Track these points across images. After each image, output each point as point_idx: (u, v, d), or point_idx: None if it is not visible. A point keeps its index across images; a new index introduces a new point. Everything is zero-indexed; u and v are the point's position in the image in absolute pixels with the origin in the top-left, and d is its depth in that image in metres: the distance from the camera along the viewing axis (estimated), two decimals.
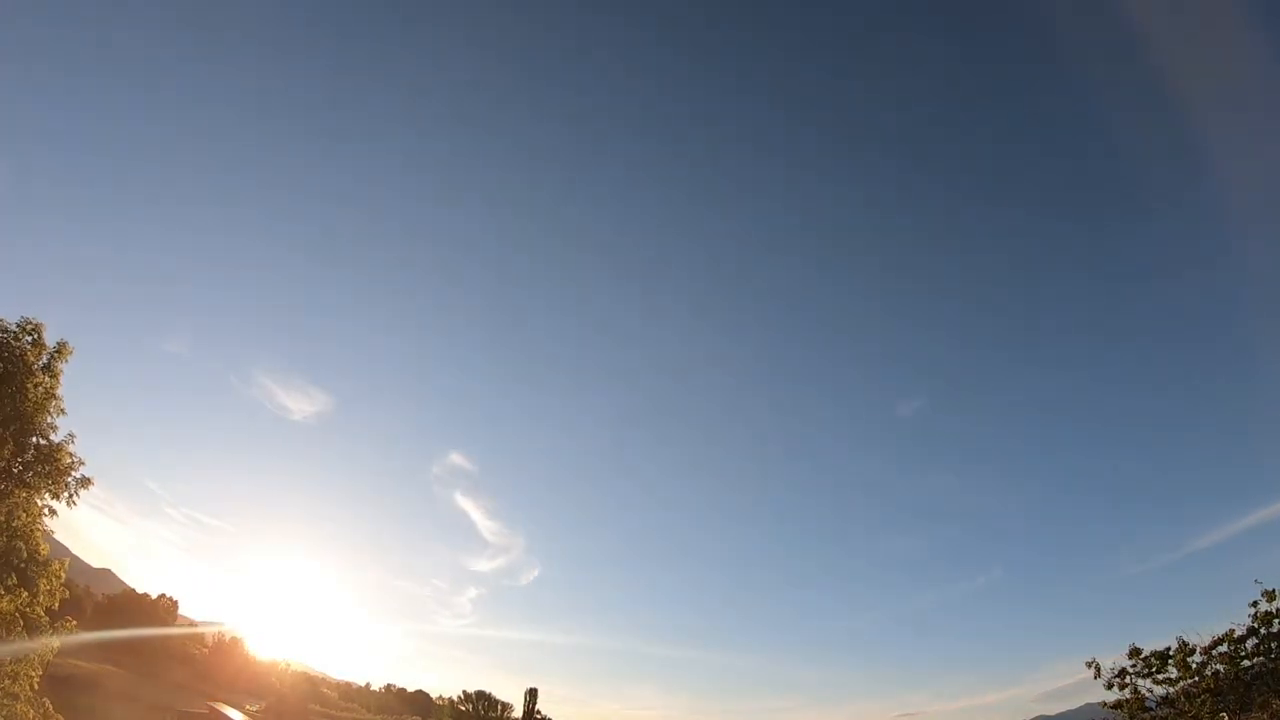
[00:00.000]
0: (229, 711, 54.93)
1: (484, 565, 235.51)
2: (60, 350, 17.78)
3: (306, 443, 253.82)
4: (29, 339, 17.25)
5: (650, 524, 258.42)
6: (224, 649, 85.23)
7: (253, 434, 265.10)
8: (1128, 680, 14.38)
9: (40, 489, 17.31)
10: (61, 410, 17.76)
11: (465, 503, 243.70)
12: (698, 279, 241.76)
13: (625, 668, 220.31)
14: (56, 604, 17.78)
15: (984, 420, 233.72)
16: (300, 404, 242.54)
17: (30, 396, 16.85)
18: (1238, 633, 13.27)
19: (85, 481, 17.94)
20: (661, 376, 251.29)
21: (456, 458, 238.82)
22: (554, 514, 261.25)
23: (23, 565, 16.78)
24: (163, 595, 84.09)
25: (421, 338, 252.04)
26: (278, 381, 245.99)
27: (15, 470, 17.15)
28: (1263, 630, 13.08)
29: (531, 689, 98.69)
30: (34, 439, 17.37)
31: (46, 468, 17.29)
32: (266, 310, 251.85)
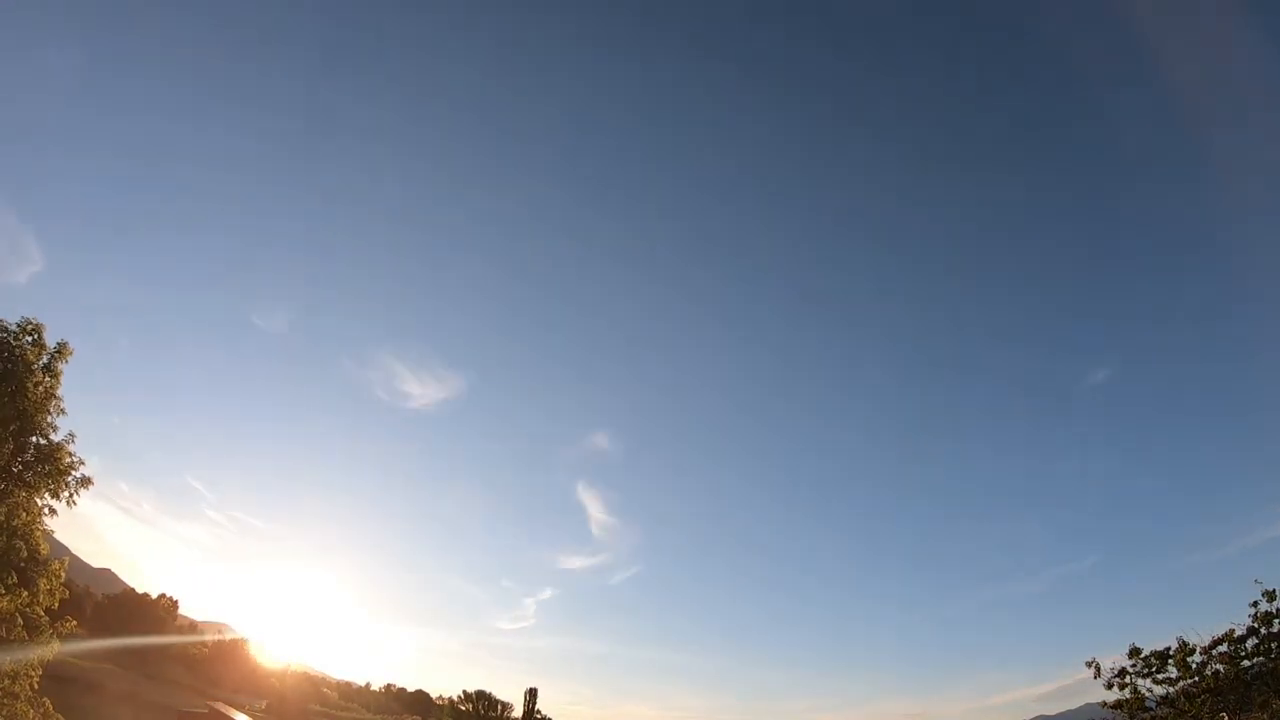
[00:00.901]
0: (230, 712, 54.94)
1: (578, 562, 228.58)
2: (60, 350, 17.83)
3: (420, 434, 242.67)
4: (29, 339, 17.29)
5: (740, 522, 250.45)
6: (226, 650, 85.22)
7: (353, 425, 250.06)
8: (1127, 680, 14.36)
9: (40, 489, 17.34)
10: (62, 410, 17.82)
11: (586, 494, 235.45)
12: (865, 259, 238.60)
13: (660, 672, 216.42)
14: (56, 604, 17.80)
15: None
16: (427, 389, 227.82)
17: (30, 396, 16.88)
18: (1238, 633, 13.27)
19: (85, 481, 17.98)
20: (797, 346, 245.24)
21: (600, 439, 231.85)
22: (676, 509, 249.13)
23: (23, 565, 16.80)
24: (163, 595, 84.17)
25: (571, 317, 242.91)
26: (407, 364, 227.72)
27: (15, 470, 17.18)
28: (1263, 630, 13.06)
29: (531, 689, 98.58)
30: (34, 439, 17.41)
31: (46, 467, 17.33)
32: (404, 289, 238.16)
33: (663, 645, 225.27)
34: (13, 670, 16.49)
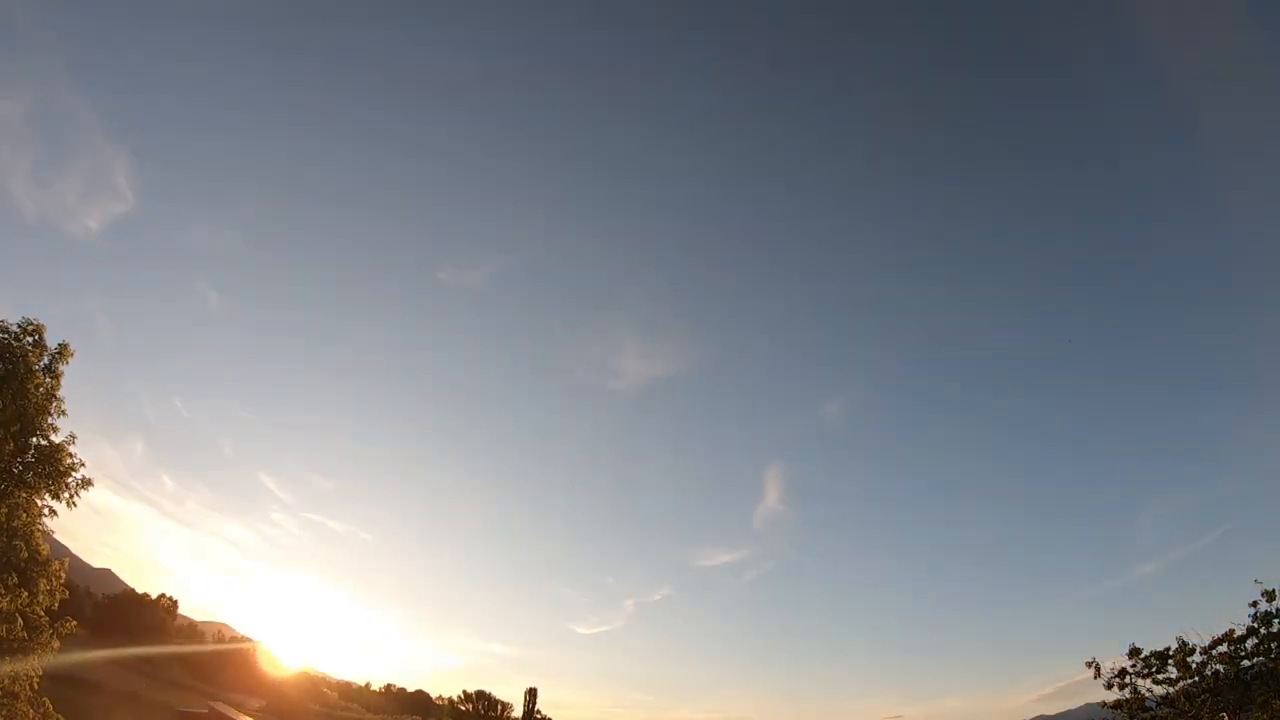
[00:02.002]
0: (229, 712, 54.92)
1: (715, 559, 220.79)
2: (61, 352, 17.87)
3: (613, 417, 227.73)
4: (30, 340, 17.30)
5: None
6: (237, 654, 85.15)
7: (527, 409, 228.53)
8: (1127, 680, 14.36)
9: (40, 490, 17.35)
10: (63, 411, 17.85)
11: (773, 474, 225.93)
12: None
13: (723, 676, 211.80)
14: (56, 604, 17.80)
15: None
16: (650, 364, 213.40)
17: (31, 397, 16.89)
18: (1238, 633, 13.27)
19: (86, 482, 17.99)
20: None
21: (831, 408, 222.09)
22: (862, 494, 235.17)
23: (23, 565, 16.79)
24: (162, 595, 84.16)
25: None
26: (635, 328, 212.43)
27: (15, 471, 17.18)
28: (1263, 630, 13.06)
29: (531, 689, 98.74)
30: (34, 440, 17.41)
31: (47, 468, 17.33)
32: (641, 247, 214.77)
33: (752, 648, 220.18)
34: (13, 671, 16.48)
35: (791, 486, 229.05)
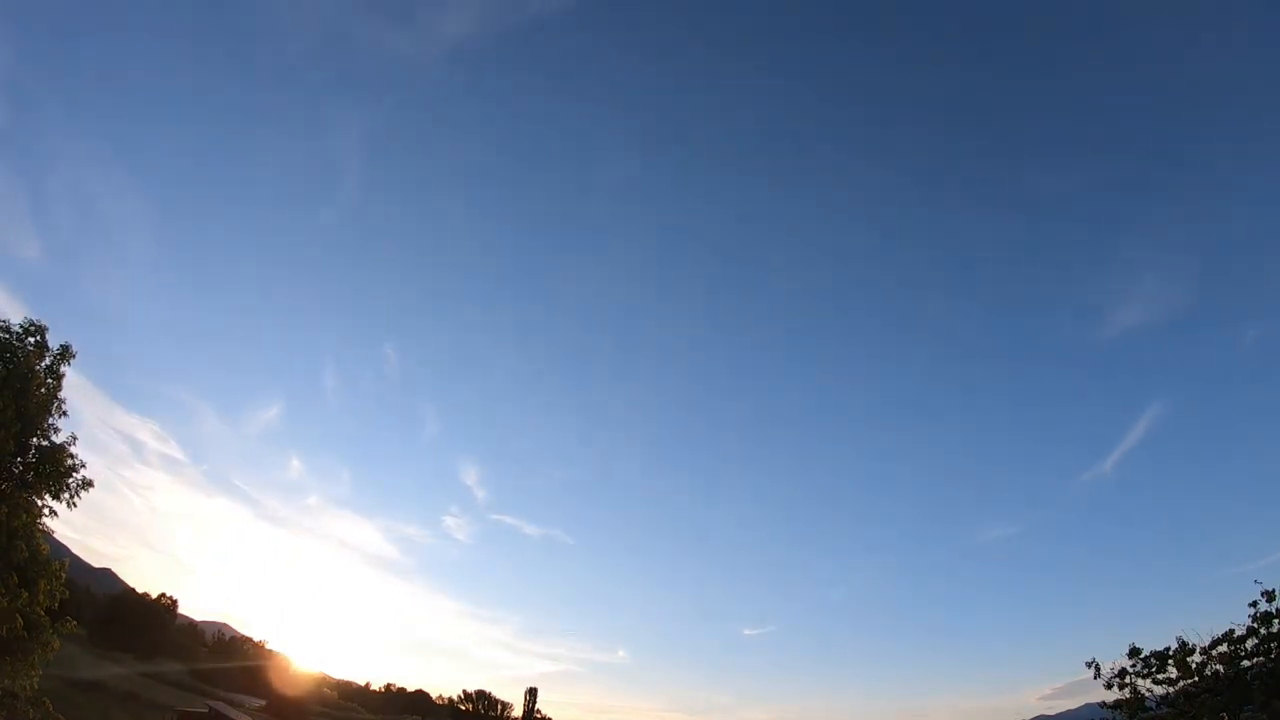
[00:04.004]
0: (229, 711, 54.96)
1: (995, 532, 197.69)
2: (63, 353, 17.87)
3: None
4: (32, 341, 17.31)
5: None
6: (224, 647, 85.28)
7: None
8: (1127, 680, 14.38)
9: (41, 490, 17.36)
10: (63, 412, 17.86)
11: (1138, 427, 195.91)
12: None
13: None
14: (57, 604, 17.81)
15: None
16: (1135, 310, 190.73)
17: (33, 398, 16.90)
18: (1237, 633, 13.27)
19: (86, 483, 18.00)
20: None
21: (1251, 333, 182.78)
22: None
23: (23, 565, 16.80)
24: (162, 595, 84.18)
25: None
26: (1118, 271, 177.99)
27: (16, 471, 17.19)
28: (1263, 630, 13.06)
29: (531, 689, 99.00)
30: (35, 440, 17.42)
31: (47, 469, 17.34)
32: None
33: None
34: (12, 670, 16.49)
35: (1151, 440, 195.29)
